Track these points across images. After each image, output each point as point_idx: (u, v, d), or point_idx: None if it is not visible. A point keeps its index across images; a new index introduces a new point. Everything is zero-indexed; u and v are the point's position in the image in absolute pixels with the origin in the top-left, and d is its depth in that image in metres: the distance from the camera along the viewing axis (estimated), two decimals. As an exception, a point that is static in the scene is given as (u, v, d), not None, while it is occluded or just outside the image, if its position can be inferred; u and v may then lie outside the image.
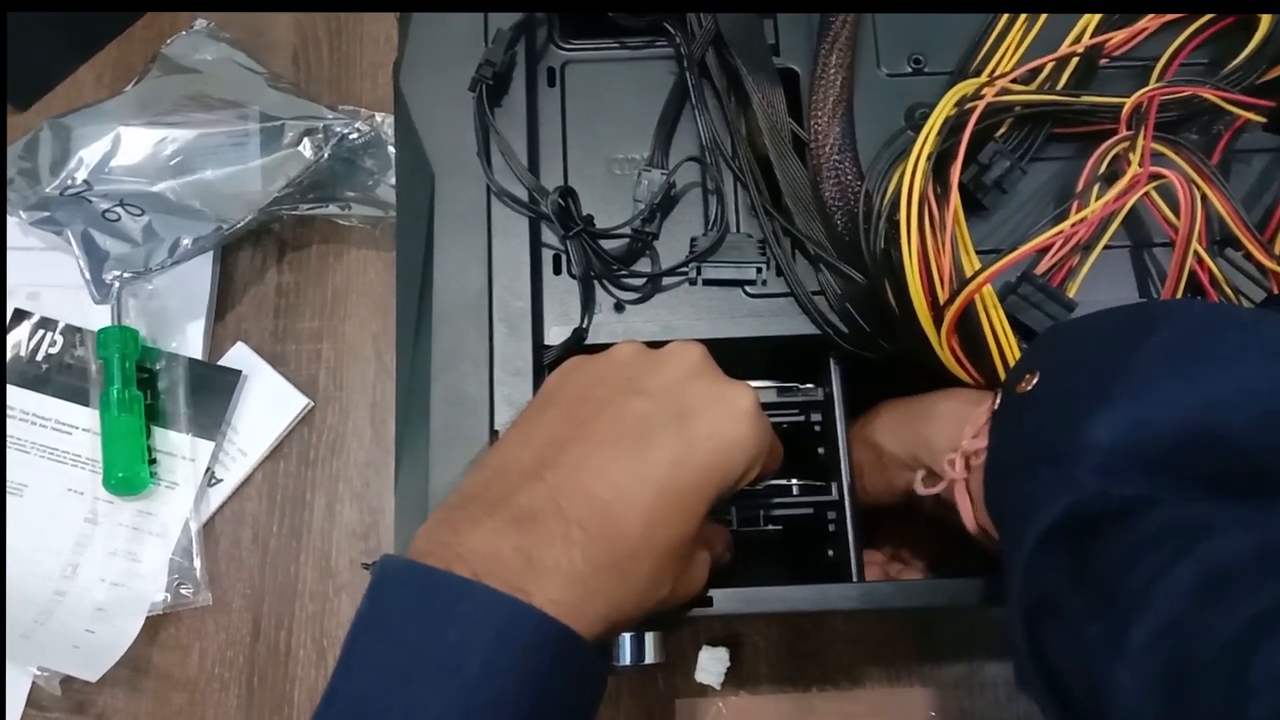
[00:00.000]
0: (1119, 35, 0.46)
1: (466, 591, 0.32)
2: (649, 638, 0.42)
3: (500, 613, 0.31)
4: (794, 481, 0.46)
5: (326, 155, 0.61)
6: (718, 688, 0.57)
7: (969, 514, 0.40)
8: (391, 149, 0.61)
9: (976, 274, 0.39)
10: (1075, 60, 0.45)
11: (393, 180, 0.59)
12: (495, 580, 0.32)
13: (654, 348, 0.39)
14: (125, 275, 0.59)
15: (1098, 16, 0.46)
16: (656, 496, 0.34)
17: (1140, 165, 0.42)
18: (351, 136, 0.61)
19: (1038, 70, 0.45)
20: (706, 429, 0.36)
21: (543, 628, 0.32)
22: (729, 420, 0.36)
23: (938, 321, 0.40)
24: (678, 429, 0.36)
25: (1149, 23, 0.47)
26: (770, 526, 0.45)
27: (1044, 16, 0.47)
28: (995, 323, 0.40)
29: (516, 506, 0.34)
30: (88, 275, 0.58)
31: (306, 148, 0.61)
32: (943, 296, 0.40)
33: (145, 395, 0.60)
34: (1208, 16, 0.47)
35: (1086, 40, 0.45)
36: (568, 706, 0.33)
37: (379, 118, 0.62)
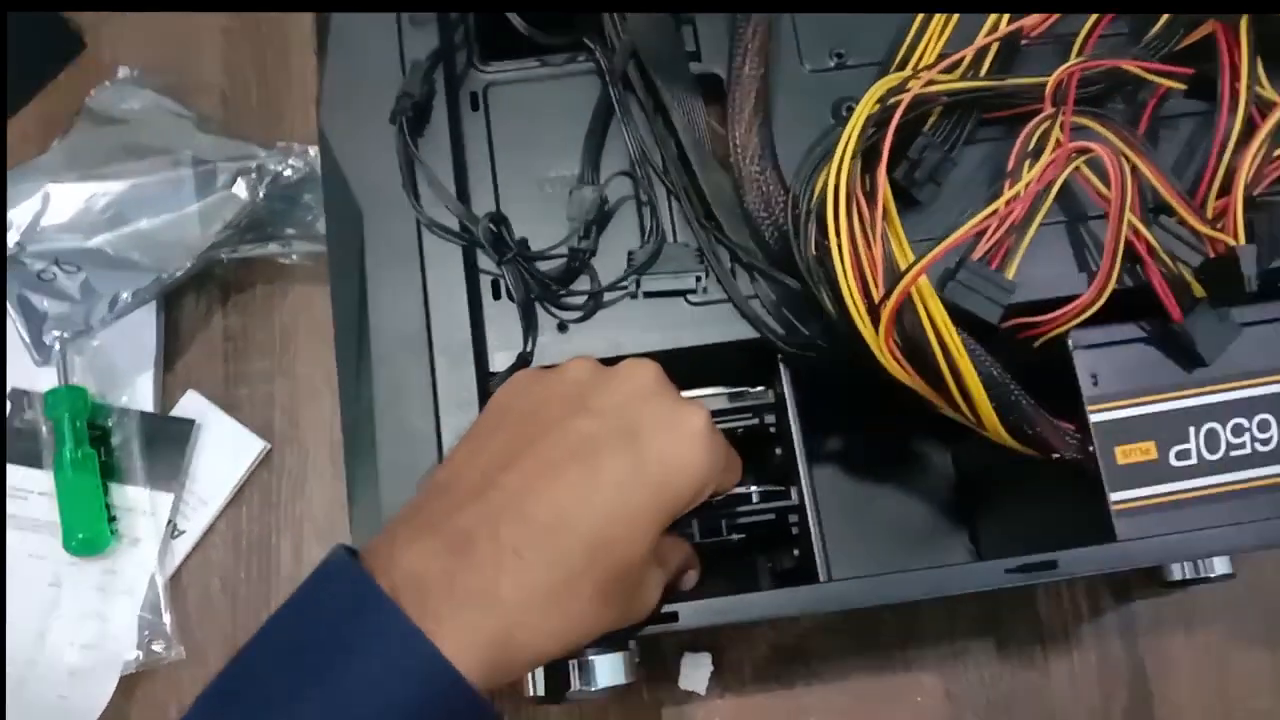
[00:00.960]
0: (1034, 18, 0.46)
1: (381, 607, 0.32)
2: (620, 658, 0.42)
3: (404, 638, 0.31)
4: (754, 489, 0.46)
5: (262, 194, 0.60)
6: (703, 694, 0.57)
7: None
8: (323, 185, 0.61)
9: (910, 267, 0.39)
10: (996, 45, 0.45)
11: (330, 214, 0.59)
12: (414, 602, 0.32)
13: (609, 364, 0.39)
14: (65, 335, 0.58)
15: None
16: (602, 520, 0.34)
17: (1061, 139, 0.42)
18: (286, 174, 0.61)
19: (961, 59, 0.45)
20: (656, 451, 0.36)
21: (437, 668, 0.31)
22: (680, 442, 0.36)
23: (875, 322, 0.40)
24: (626, 450, 0.35)
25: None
26: (734, 536, 0.45)
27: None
28: (933, 313, 0.40)
29: (454, 528, 0.34)
30: (26, 338, 0.57)
31: (241, 188, 0.60)
32: (877, 295, 0.40)
33: (99, 452, 0.59)
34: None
35: (1004, 29, 0.45)
36: None
37: (312, 153, 0.62)
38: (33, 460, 0.60)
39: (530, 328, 0.45)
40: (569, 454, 0.35)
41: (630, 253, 0.46)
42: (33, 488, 0.60)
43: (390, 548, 0.34)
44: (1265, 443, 0.43)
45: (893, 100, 0.43)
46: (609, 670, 0.40)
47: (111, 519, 0.59)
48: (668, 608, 0.39)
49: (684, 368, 0.46)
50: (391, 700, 0.31)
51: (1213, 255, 0.43)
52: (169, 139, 0.62)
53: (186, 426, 0.61)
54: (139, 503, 0.60)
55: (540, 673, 0.44)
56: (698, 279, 0.45)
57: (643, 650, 0.43)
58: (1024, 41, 0.47)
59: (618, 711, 0.57)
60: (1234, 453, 0.43)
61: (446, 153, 0.46)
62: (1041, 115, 0.43)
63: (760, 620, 0.41)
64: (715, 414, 0.46)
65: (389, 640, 0.31)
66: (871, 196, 0.42)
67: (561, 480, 0.35)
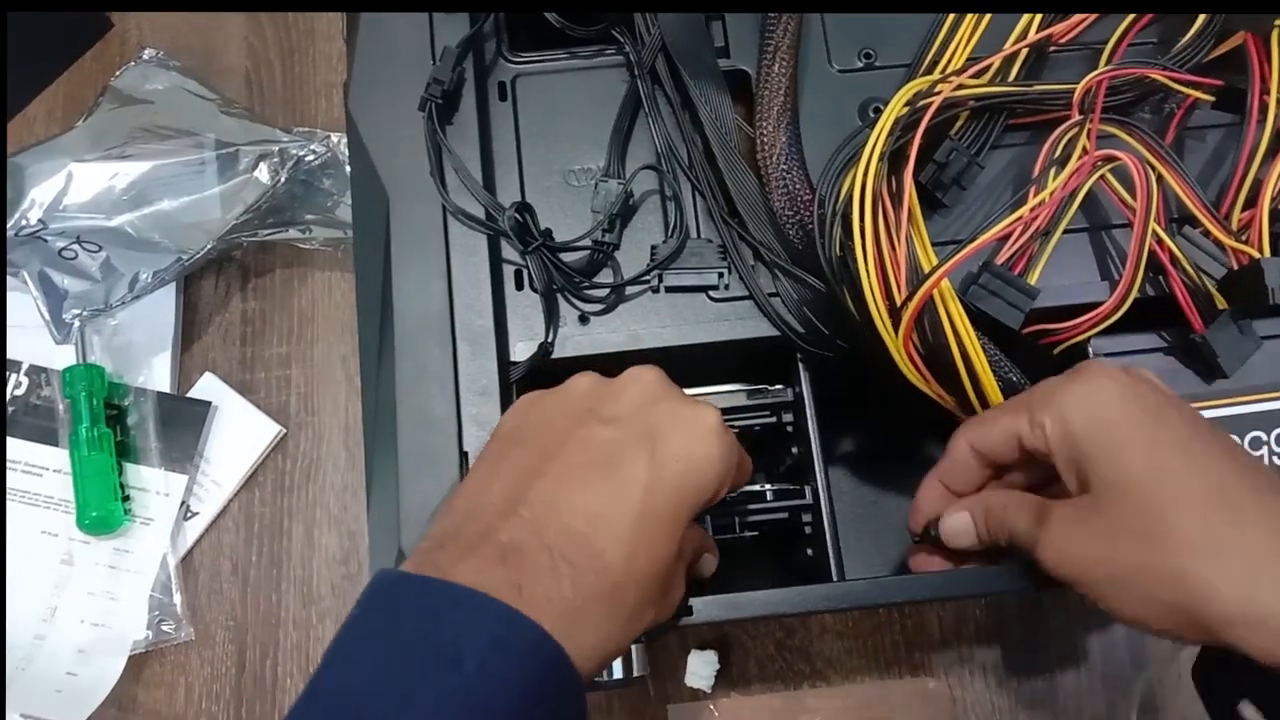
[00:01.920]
0: (1063, 24, 0.46)
1: (464, 597, 0.31)
2: (634, 650, 0.42)
3: (499, 619, 0.31)
4: (767, 487, 0.46)
5: (284, 179, 0.60)
6: (708, 691, 0.57)
7: None
8: (349, 168, 0.61)
9: (934, 270, 0.39)
10: (1025, 51, 0.45)
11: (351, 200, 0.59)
12: None
13: (615, 368, 0.39)
14: (85, 313, 0.58)
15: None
16: (635, 523, 0.34)
17: (1088, 146, 0.42)
18: (308, 159, 0.61)
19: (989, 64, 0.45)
20: (675, 450, 0.36)
21: (541, 642, 0.31)
22: (696, 439, 0.36)
23: (896, 324, 0.40)
24: (647, 452, 0.35)
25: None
26: (746, 533, 0.45)
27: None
28: (954, 316, 0.40)
29: (498, 543, 0.33)
30: (47, 315, 0.58)
31: (263, 172, 0.60)
32: (899, 297, 0.40)
33: (115, 432, 0.59)
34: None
35: (1033, 35, 0.45)
36: None
37: (335, 138, 0.62)
38: (48, 437, 0.60)
39: (552, 318, 0.45)
40: (590, 461, 0.35)
41: (653, 247, 0.46)
42: (48, 465, 0.60)
43: (437, 569, 0.32)
44: (1283, 456, 0.43)
45: (921, 103, 0.43)
46: (636, 661, 0.40)
47: (125, 498, 0.59)
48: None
49: (703, 364, 0.46)
50: (508, 679, 0.30)
51: (1236, 267, 0.43)
52: (192, 121, 0.62)
53: (202, 408, 0.61)
54: (153, 483, 0.60)
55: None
56: (720, 275, 0.45)
57: (649, 647, 0.43)
58: (1052, 48, 0.47)
59: (624, 708, 0.57)
60: (1251, 465, 0.43)
61: (474, 141, 0.46)
62: (1069, 122, 0.43)
63: (771, 616, 0.41)
64: (734, 411, 0.46)
65: (487, 623, 0.30)
66: (897, 199, 0.42)
67: (589, 487, 0.35)
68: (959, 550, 0.41)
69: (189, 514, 0.60)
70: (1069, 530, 0.36)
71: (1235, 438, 0.43)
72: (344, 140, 0.62)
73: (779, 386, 0.47)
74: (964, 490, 0.42)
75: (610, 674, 0.41)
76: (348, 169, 0.61)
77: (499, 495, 0.35)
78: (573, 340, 0.45)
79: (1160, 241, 0.43)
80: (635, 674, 0.41)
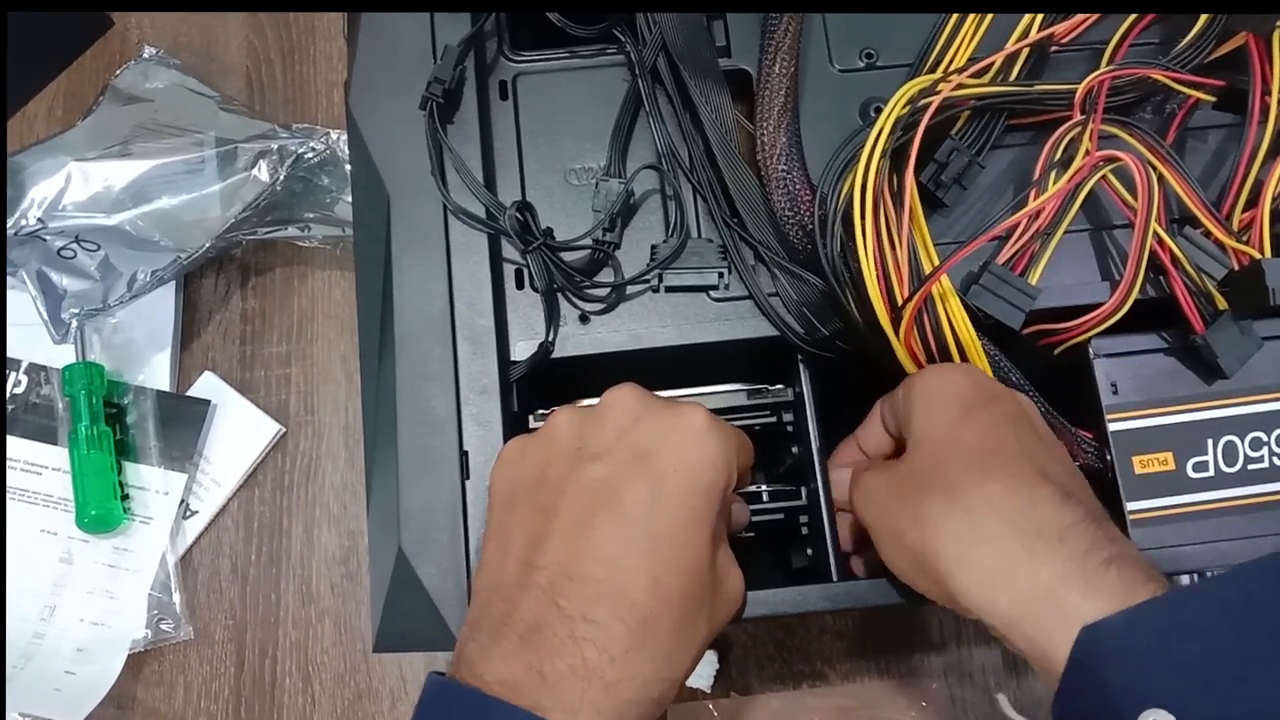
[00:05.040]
0: (1065, 24, 0.46)
1: (488, 709, 0.32)
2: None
3: None
4: (764, 488, 0.46)
5: (282, 176, 0.60)
6: (708, 691, 0.57)
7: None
8: (348, 166, 0.61)
9: (935, 270, 0.39)
10: (1026, 51, 0.45)
11: (350, 198, 0.59)
12: (518, 703, 0.32)
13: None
14: (82, 313, 0.58)
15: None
16: (648, 549, 0.34)
17: (1089, 146, 0.42)
18: (307, 156, 0.61)
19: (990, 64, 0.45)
20: (669, 462, 0.35)
21: None
22: (687, 445, 0.36)
23: (896, 325, 0.40)
24: (642, 476, 0.35)
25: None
26: (745, 534, 0.45)
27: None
28: (954, 315, 0.40)
29: (520, 622, 0.33)
30: (45, 315, 0.58)
31: (262, 170, 0.60)
32: (900, 297, 0.40)
33: (114, 430, 0.59)
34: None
35: (1034, 35, 0.45)
36: None
37: (334, 135, 0.62)
38: (48, 436, 0.60)
39: (553, 317, 0.45)
40: (591, 504, 0.35)
41: (654, 246, 0.46)
42: (47, 463, 0.60)
43: (472, 666, 0.33)
44: (1284, 457, 0.43)
45: (922, 103, 0.43)
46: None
47: (124, 497, 0.59)
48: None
49: (703, 363, 0.46)
50: None
51: (1237, 267, 0.43)
52: (192, 118, 0.62)
53: (202, 407, 0.61)
54: (152, 482, 0.60)
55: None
56: (720, 275, 0.45)
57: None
58: (1054, 48, 0.47)
59: (623, 705, 0.57)
60: (1251, 466, 0.43)
61: (475, 140, 0.46)
62: (1070, 122, 0.43)
63: (771, 616, 0.41)
64: (733, 410, 0.46)
65: None
66: (898, 198, 0.42)
67: (595, 532, 0.34)
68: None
69: (188, 513, 0.60)
70: (872, 479, 0.40)
71: (1235, 438, 0.43)
72: (343, 137, 0.62)
73: (779, 386, 0.47)
74: (874, 454, 0.44)
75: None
76: (347, 166, 0.62)
77: (514, 566, 0.35)
78: (573, 339, 0.45)
79: (1161, 242, 0.43)
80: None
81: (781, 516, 0.46)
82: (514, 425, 0.44)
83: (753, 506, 0.45)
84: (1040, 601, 0.33)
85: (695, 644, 0.35)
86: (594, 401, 0.39)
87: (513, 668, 0.33)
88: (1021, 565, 0.33)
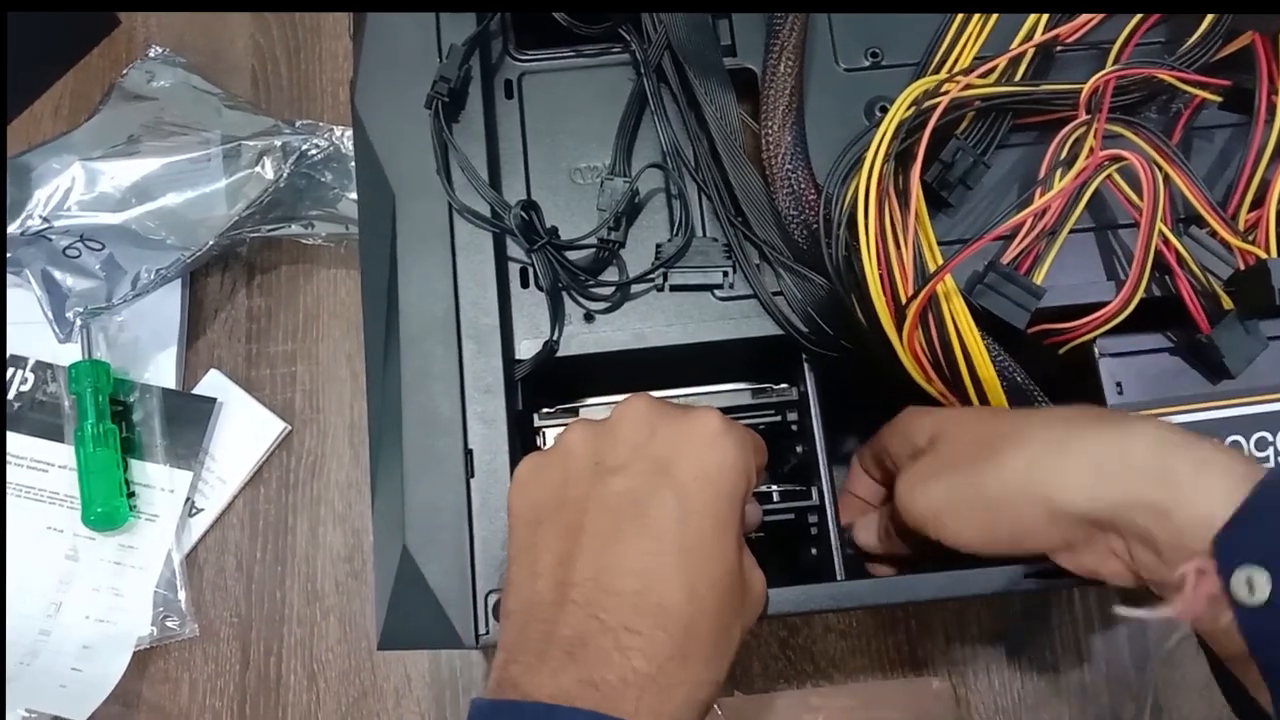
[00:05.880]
0: (1071, 24, 0.46)
1: (553, 716, 0.32)
2: None
3: None
4: (774, 488, 0.46)
5: (286, 173, 0.60)
6: (711, 689, 0.57)
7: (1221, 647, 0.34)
8: (352, 163, 0.61)
9: (940, 269, 0.39)
10: (1032, 51, 0.45)
11: (354, 194, 0.59)
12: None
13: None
14: (86, 311, 0.58)
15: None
16: (681, 560, 0.34)
17: (1095, 146, 0.42)
18: (311, 153, 0.61)
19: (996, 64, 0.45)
20: (691, 470, 0.35)
21: None
22: (706, 450, 0.36)
23: (900, 325, 0.40)
24: (665, 486, 0.35)
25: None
26: (753, 534, 0.45)
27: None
28: (957, 314, 0.40)
29: (563, 639, 0.33)
30: (49, 314, 0.58)
31: (266, 166, 0.61)
32: (905, 297, 0.40)
33: (120, 428, 0.59)
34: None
35: (1040, 35, 0.45)
36: None
37: (337, 131, 0.62)
38: (54, 434, 0.60)
39: (558, 316, 0.45)
40: (618, 520, 0.35)
41: (659, 245, 0.46)
42: (53, 461, 0.60)
43: (520, 686, 0.33)
44: (1289, 457, 0.43)
45: (928, 103, 0.43)
46: None
47: (130, 495, 0.59)
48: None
49: (708, 362, 0.46)
50: None
51: (1243, 267, 0.43)
52: (198, 116, 0.62)
53: (208, 405, 0.61)
54: (158, 479, 0.60)
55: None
56: (725, 274, 0.45)
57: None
58: (1059, 48, 0.47)
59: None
60: (1256, 466, 0.43)
61: (480, 139, 0.46)
62: (1075, 122, 0.43)
63: (776, 616, 0.41)
64: (738, 410, 0.46)
65: None
66: (904, 199, 0.42)
67: (626, 545, 0.34)
68: (889, 556, 0.45)
69: (194, 510, 0.60)
70: (919, 468, 0.40)
71: (1240, 438, 0.43)
72: (346, 133, 0.62)
73: (784, 386, 0.47)
74: (872, 500, 0.46)
75: None
76: (350, 163, 0.62)
77: (546, 587, 0.35)
78: (578, 338, 0.45)
79: (1167, 242, 0.43)
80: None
81: (792, 516, 0.46)
82: (519, 424, 0.44)
83: (764, 507, 0.45)
84: (1161, 470, 0.33)
85: (732, 647, 0.35)
86: (605, 403, 0.39)
87: (562, 682, 0.32)
88: (1131, 442, 0.33)
